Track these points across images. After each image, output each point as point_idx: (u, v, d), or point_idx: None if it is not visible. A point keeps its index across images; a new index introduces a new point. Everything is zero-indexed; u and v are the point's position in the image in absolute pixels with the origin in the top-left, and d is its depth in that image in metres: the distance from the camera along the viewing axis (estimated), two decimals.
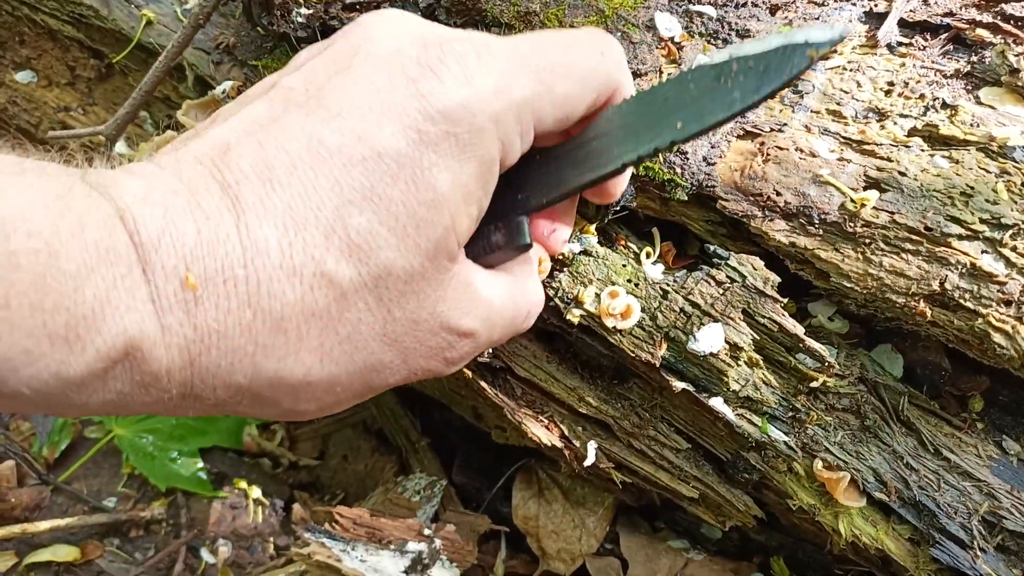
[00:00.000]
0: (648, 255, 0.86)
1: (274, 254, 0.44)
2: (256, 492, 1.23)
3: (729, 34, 0.85)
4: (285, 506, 1.22)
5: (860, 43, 0.86)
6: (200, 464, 1.24)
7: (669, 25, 0.85)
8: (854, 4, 0.87)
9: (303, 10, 0.83)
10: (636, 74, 0.84)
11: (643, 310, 0.81)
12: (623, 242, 0.88)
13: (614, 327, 0.81)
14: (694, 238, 0.91)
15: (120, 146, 1.02)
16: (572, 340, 0.89)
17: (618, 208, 0.85)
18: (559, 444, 0.90)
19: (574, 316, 0.82)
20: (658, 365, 0.80)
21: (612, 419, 0.88)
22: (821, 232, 0.78)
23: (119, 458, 1.28)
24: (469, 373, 0.93)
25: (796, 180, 0.79)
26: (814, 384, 0.79)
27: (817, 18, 0.87)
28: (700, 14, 0.85)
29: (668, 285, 0.81)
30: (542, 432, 0.90)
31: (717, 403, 0.80)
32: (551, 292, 0.84)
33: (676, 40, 0.85)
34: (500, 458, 1.18)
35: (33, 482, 1.23)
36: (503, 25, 0.86)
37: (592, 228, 0.87)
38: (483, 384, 0.93)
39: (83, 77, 1.15)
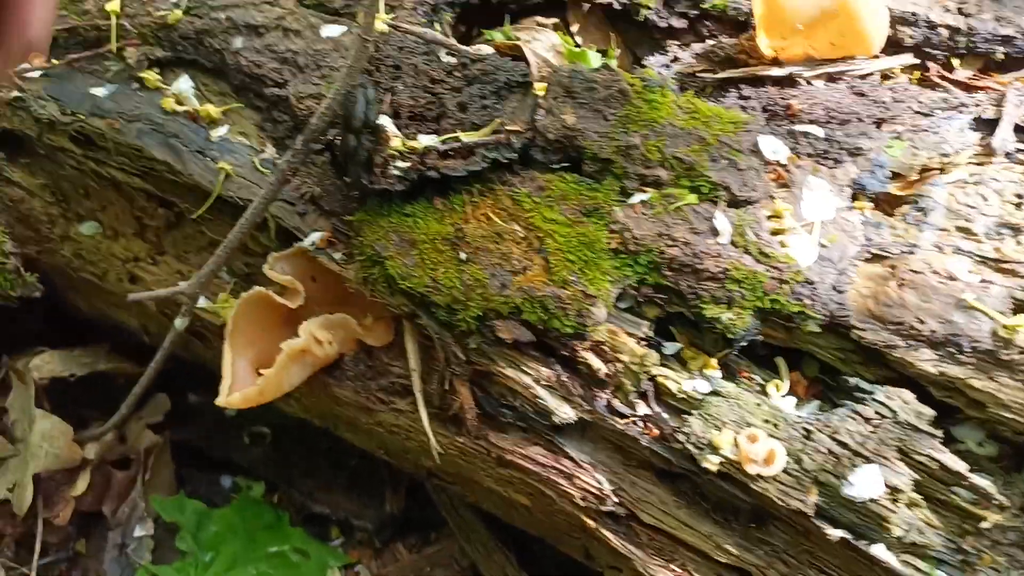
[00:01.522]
0: (777, 388, 0.81)
1: None
2: None
3: (840, 153, 0.82)
4: None
5: (975, 152, 0.83)
6: None
7: (775, 148, 0.82)
8: (961, 112, 0.84)
9: (400, 163, 0.81)
10: (747, 201, 0.81)
11: (787, 453, 0.75)
12: (745, 374, 0.83)
13: (757, 474, 0.76)
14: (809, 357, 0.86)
15: (200, 300, 0.99)
16: (701, 484, 0.84)
17: (743, 343, 0.80)
18: None
19: (711, 464, 0.77)
20: (811, 514, 0.74)
21: (755, 568, 0.81)
22: (973, 360, 0.73)
23: None
24: (592, 523, 0.87)
25: (938, 306, 0.74)
26: (984, 524, 0.73)
27: (925, 130, 0.84)
28: (806, 134, 0.83)
29: (810, 424, 0.76)
30: None
31: (879, 551, 0.74)
32: (682, 437, 0.79)
33: (783, 163, 0.82)
34: None
35: None
36: (603, 160, 0.84)
37: (714, 362, 0.82)
38: (607, 534, 0.87)
39: (151, 227, 1.13)
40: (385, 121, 0.81)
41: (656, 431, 0.82)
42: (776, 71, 0.89)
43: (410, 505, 1.29)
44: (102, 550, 1.29)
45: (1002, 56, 0.94)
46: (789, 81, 0.90)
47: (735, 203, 0.80)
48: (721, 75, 0.91)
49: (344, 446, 1.38)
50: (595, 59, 0.98)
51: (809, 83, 0.90)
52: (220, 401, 0.90)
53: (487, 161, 0.83)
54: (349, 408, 0.99)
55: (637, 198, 0.82)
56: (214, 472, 1.41)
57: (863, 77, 0.89)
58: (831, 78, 0.90)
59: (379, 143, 0.79)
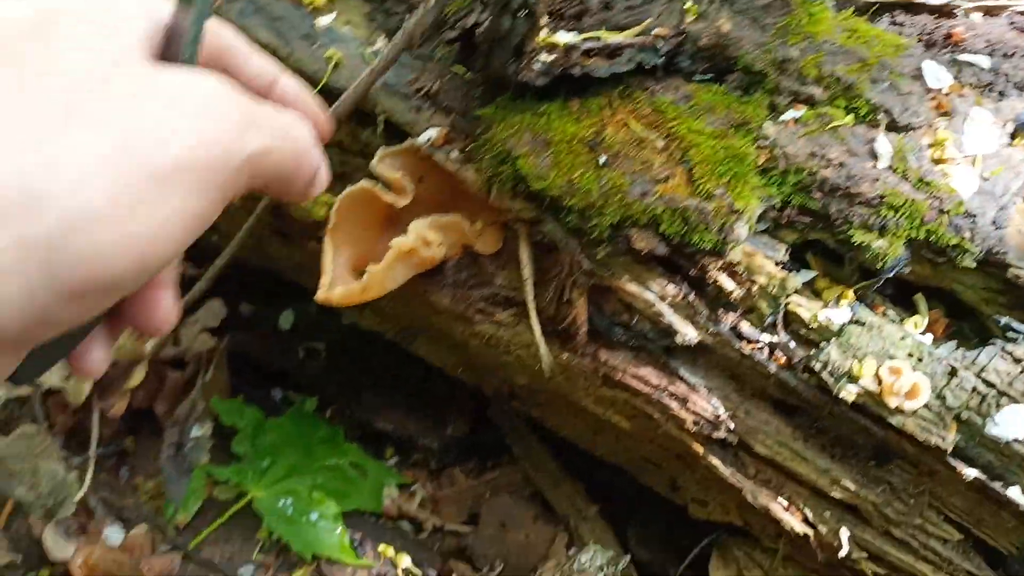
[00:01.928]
0: (916, 325, 0.78)
1: None
2: (405, 561, 1.14)
3: (1005, 86, 0.78)
4: None
5: None
6: (343, 529, 1.15)
7: (938, 75, 0.78)
8: None
9: (545, 56, 0.76)
10: (908, 127, 0.77)
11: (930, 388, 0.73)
12: (880, 309, 0.80)
13: (897, 407, 0.73)
14: (938, 300, 0.83)
15: None
16: (821, 416, 0.81)
17: (890, 274, 0.77)
18: (807, 531, 0.82)
19: (848, 393, 0.75)
20: (948, 451, 0.72)
21: (871, 505, 0.80)
22: None
23: (250, 522, 1.18)
24: (700, 449, 0.85)
25: None
26: None
27: None
28: (970, 64, 0.79)
29: (955, 361, 0.74)
30: (789, 518, 0.82)
31: (1015, 493, 0.72)
32: (817, 366, 0.76)
33: (945, 91, 0.78)
34: (677, 528, 1.10)
35: (164, 549, 1.14)
36: (755, 72, 0.79)
37: (850, 294, 0.79)
38: (715, 462, 0.85)
39: None
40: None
41: (784, 359, 0.80)
42: (934, 0, 0.84)
43: (472, 431, 1.27)
44: (151, 449, 1.26)
45: None
46: (946, 11, 0.85)
47: (895, 128, 0.76)
48: None
49: (402, 367, 1.35)
50: None
51: (966, 15, 0.85)
52: (320, 296, 0.86)
53: (632, 63, 0.78)
54: (444, 317, 0.95)
55: (790, 115, 0.78)
56: (265, 385, 1.38)
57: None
58: (990, 12, 0.85)
59: (532, 28, 0.73)
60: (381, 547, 1.16)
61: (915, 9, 0.86)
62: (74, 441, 1.21)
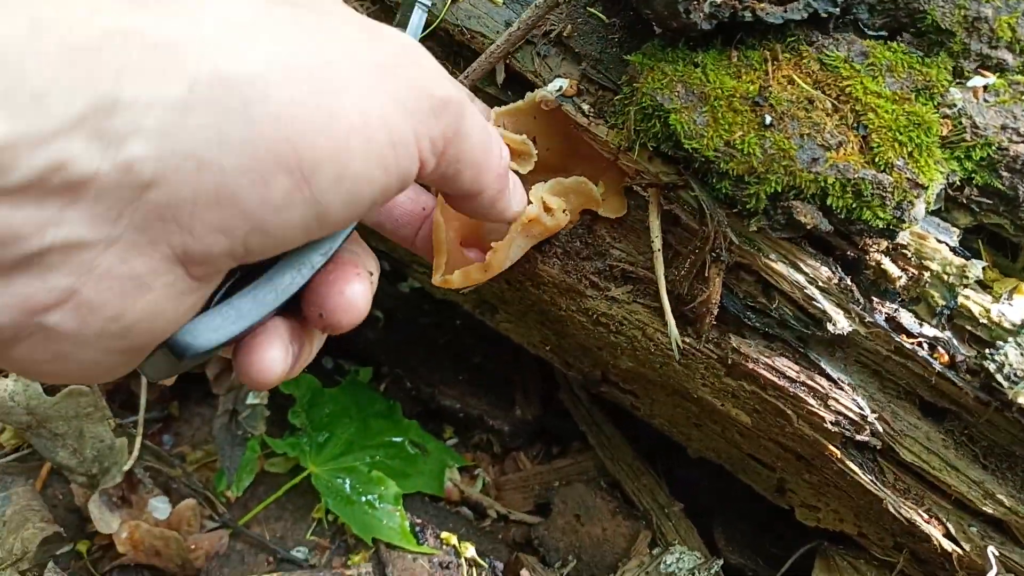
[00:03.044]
0: None
1: None
2: (470, 550, 1.06)
3: None
4: (505, 569, 1.05)
5: None
6: (403, 513, 1.07)
7: None
8: None
9: None
10: None
11: None
12: None
13: None
14: None
15: None
16: (977, 423, 0.73)
17: None
18: (954, 549, 0.74)
19: None
20: None
21: None
22: None
23: (304, 500, 1.10)
24: (836, 452, 0.77)
25: None
26: None
27: None
28: None
29: None
30: (936, 533, 0.74)
31: None
32: (991, 366, 0.68)
33: None
34: (766, 529, 1.02)
35: (213, 524, 1.05)
36: (942, 31, 0.70)
37: None
38: (853, 467, 0.77)
39: None
40: None
41: (947, 357, 0.71)
42: None
43: (541, 414, 1.19)
44: (197, 415, 1.18)
45: None
46: None
47: None
48: None
49: (465, 341, 1.26)
50: None
51: None
52: (436, 280, 0.76)
53: (809, 10, 0.69)
54: (549, 290, 0.86)
55: (978, 81, 0.69)
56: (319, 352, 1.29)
57: None
58: None
59: None
60: (444, 534, 1.08)
61: None
62: (115, 403, 1.12)
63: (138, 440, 0.98)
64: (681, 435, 0.99)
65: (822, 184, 0.66)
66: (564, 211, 0.77)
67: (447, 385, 1.18)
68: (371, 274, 0.52)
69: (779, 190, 0.67)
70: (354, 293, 0.46)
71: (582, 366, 0.99)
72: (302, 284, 0.45)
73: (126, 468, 0.93)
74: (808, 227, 0.68)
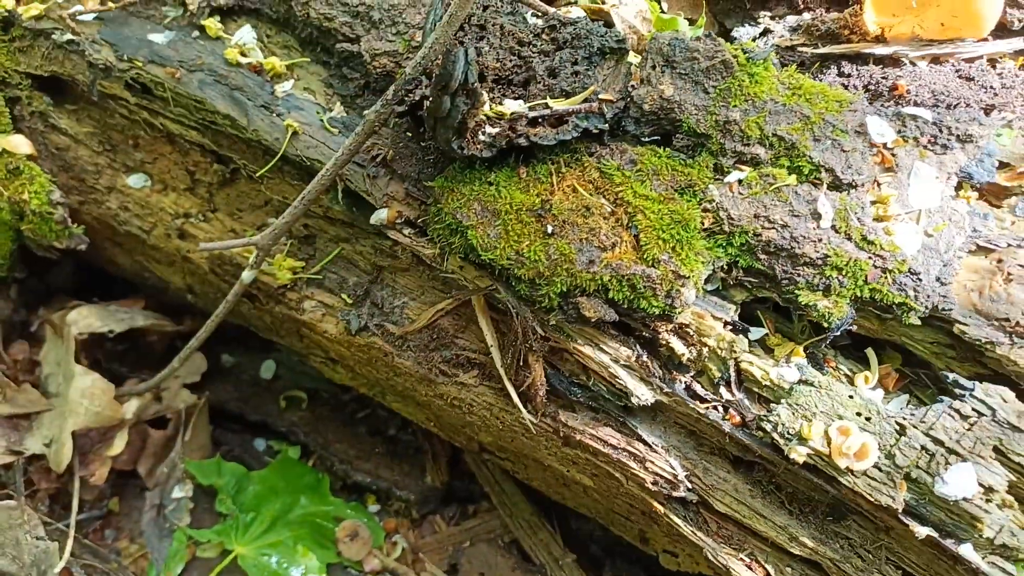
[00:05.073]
0: (866, 380, 0.79)
1: None
2: None
3: (949, 139, 0.78)
4: None
5: None
6: None
7: (881, 130, 0.79)
8: None
9: (490, 128, 0.77)
10: (851, 185, 0.77)
11: (879, 448, 0.73)
12: (831, 363, 0.81)
13: (847, 467, 0.74)
14: (893, 349, 0.84)
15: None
16: (777, 473, 0.82)
17: (837, 332, 0.77)
18: None
19: (799, 455, 0.75)
20: (899, 511, 0.73)
21: (831, 562, 0.80)
22: None
23: None
24: (660, 508, 0.86)
25: None
26: None
27: None
28: (914, 117, 0.79)
29: (904, 419, 0.74)
30: (749, 574, 0.82)
31: (967, 551, 0.72)
32: (768, 426, 0.77)
33: (889, 146, 0.79)
34: (653, 575, 1.10)
35: None
36: (699, 135, 0.80)
37: (801, 351, 0.80)
38: (676, 520, 0.85)
39: (203, 182, 1.09)
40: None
41: (738, 418, 0.80)
42: (881, 49, 0.85)
43: (449, 478, 1.28)
44: (136, 509, 1.28)
45: None
46: (892, 61, 0.86)
47: (838, 186, 0.77)
48: (822, 50, 0.87)
49: (380, 415, 1.36)
50: (683, 27, 0.94)
51: (913, 64, 0.86)
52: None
53: (578, 130, 0.79)
54: (408, 379, 0.96)
55: (734, 176, 0.79)
56: (247, 434, 1.39)
57: (970, 61, 0.85)
58: (936, 60, 0.86)
59: (474, 107, 0.75)
60: None
61: (862, 59, 0.86)
62: (58, 505, 1.22)
63: (69, 541, 1.08)
64: (556, 494, 1.08)
65: (600, 282, 0.76)
66: None
67: (362, 459, 1.28)
68: None
69: (565, 290, 0.77)
70: None
71: (460, 439, 1.09)
72: None
73: (57, 570, 1.03)
74: (593, 320, 0.77)
